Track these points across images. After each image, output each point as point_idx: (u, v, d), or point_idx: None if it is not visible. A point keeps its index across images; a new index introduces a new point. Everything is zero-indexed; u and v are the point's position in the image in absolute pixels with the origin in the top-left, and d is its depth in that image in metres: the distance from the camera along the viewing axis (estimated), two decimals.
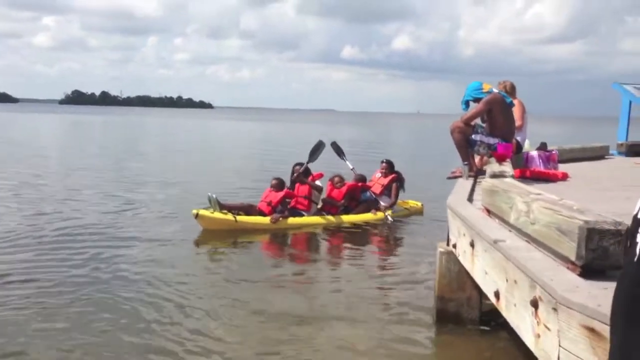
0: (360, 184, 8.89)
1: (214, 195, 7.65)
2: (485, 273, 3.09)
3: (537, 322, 2.22)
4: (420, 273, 5.78)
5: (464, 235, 3.63)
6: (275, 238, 7.62)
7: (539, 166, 6.30)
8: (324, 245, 7.61)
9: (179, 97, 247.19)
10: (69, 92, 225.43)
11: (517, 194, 3.09)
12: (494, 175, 4.28)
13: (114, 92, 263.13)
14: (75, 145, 25.73)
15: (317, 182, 8.42)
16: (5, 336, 3.98)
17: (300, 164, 8.61)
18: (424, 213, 9.11)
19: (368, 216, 8.51)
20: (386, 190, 8.89)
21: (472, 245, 3.40)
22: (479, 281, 3.30)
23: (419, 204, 9.33)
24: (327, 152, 9.65)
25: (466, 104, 5.69)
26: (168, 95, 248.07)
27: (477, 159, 6.16)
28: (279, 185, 8.23)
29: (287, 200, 8.25)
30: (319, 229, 8.00)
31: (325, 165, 9.19)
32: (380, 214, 8.51)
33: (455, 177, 5.83)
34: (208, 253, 6.94)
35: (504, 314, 2.74)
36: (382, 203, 8.70)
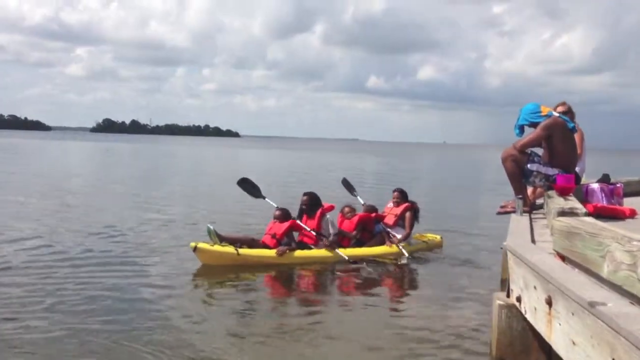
0: (373, 214, 8.19)
1: (212, 227, 6.96)
2: (573, 343, 2.35)
3: None
4: (450, 323, 4.88)
5: (535, 288, 2.90)
6: (281, 274, 6.81)
7: (601, 201, 5.50)
8: (335, 283, 6.81)
9: (206, 126, 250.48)
10: (100, 121, 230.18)
11: (611, 239, 2.38)
12: (564, 213, 3.53)
13: (143, 120, 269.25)
14: (98, 172, 25.62)
15: (327, 215, 7.71)
16: None
17: (308, 194, 7.88)
18: (443, 247, 8.46)
19: (383, 249, 7.78)
20: (400, 220, 8.19)
21: (548, 303, 2.67)
22: (561, 352, 2.55)
23: (438, 237, 8.67)
24: (340, 188, 9.35)
25: (520, 128, 4.95)
26: (196, 124, 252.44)
27: (528, 190, 5.42)
28: (283, 216, 7.50)
29: (294, 232, 7.55)
30: (330, 264, 7.20)
31: (336, 200, 8.48)
32: (396, 247, 7.77)
33: (507, 213, 5.08)
34: (205, 294, 6.05)
35: None
36: (396, 235, 7.98)
